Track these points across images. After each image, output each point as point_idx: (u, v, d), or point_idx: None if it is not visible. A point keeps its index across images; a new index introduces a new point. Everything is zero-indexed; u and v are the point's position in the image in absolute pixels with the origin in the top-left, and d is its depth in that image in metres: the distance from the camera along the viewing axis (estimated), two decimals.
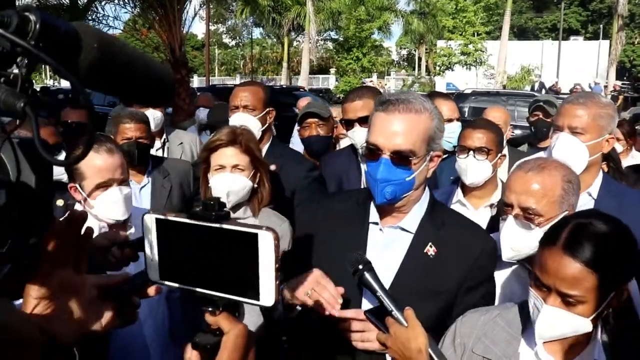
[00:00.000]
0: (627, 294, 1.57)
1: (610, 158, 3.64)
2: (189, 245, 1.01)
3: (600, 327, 1.63)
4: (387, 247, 1.89)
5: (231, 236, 0.96)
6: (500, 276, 2.22)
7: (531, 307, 1.60)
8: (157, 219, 1.02)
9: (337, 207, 2.03)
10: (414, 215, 1.90)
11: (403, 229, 1.90)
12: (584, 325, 1.51)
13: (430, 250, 1.85)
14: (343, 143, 4.40)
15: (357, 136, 3.32)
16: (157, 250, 1.03)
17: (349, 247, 1.86)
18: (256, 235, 0.94)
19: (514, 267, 2.21)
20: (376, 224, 1.93)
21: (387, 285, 1.77)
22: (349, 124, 3.38)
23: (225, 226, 0.96)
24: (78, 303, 1.03)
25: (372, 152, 1.80)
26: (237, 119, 3.26)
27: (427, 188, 1.95)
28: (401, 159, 1.77)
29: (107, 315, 1.09)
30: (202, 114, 6.42)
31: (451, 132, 3.59)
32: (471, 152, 2.92)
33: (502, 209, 2.13)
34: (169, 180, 3.59)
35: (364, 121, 3.29)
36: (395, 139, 1.76)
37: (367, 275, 1.65)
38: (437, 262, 1.84)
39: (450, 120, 3.68)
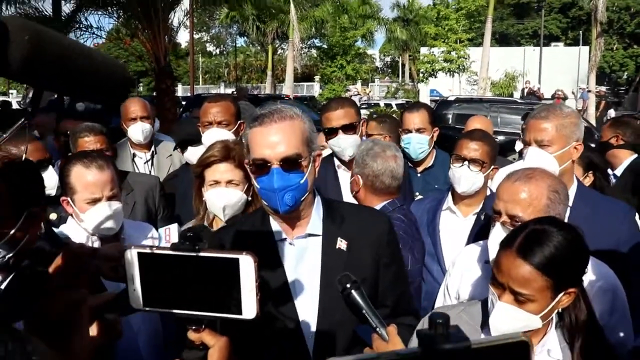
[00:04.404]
0: (576, 296, 1.72)
1: (597, 168, 3.69)
2: (172, 274, 1.07)
3: (554, 321, 1.78)
4: (302, 257, 1.95)
5: (214, 262, 1.04)
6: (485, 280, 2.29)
7: (489, 302, 1.76)
8: (139, 253, 1.08)
9: (243, 233, 2.04)
10: (316, 218, 1.97)
11: (311, 235, 1.96)
12: (533, 321, 1.68)
13: (342, 244, 1.94)
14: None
15: (342, 143, 3.42)
16: (139, 281, 1.09)
17: (267, 268, 1.82)
18: (237, 259, 1.03)
19: None
20: (284, 239, 1.97)
21: (316, 289, 1.89)
22: (331, 132, 3.46)
23: (208, 254, 1.04)
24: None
25: (261, 166, 1.84)
26: (213, 135, 3.31)
27: (315, 190, 2.01)
28: (290, 164, 1.83)
29: (96, 333, 1.14)
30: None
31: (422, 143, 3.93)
32: (466, 163, 2.99)
33: (492, 216, 2.20)
34: (132, 196, 3.46)
35: (347, 129, 3.41)
36: (279, 148, 1.82)
37: (354, 294, 1.66)
38: (351, 252, 1.93)
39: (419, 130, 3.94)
